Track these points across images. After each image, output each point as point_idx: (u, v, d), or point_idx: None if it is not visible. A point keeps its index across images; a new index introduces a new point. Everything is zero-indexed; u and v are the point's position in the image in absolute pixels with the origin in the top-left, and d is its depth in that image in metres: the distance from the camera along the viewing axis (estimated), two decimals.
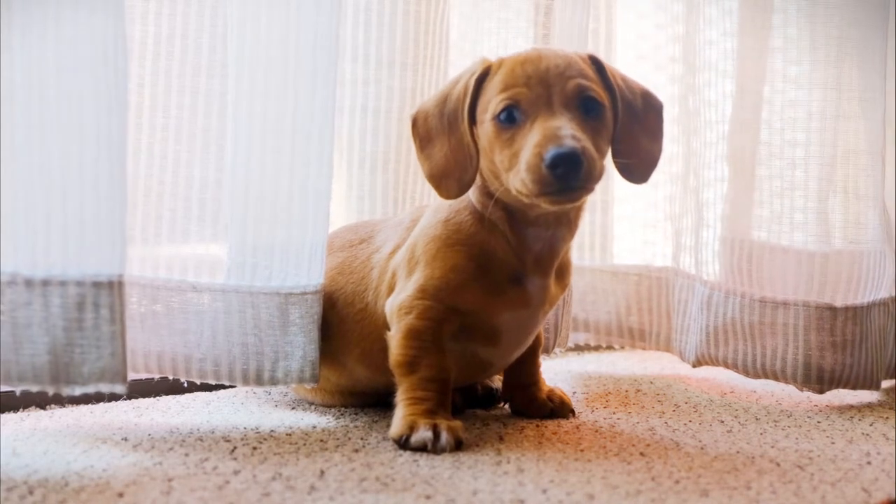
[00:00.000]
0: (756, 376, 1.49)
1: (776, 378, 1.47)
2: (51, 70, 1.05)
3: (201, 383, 1.30)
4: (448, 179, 1.17)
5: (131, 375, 1.31)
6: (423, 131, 1.19)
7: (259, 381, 1.23)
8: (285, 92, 1.21)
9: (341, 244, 1.31)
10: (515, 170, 1.09)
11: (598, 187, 1.65)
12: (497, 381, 1.38)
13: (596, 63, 1.17)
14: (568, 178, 1.05)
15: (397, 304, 1.18)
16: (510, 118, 1.11)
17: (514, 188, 1.10)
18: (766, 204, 1.51)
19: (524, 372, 1.32)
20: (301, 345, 1.23)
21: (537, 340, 1.32)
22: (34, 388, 1.06)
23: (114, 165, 1.08)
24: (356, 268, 1.28)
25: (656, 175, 1.69)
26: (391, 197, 1.49)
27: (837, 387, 1.45)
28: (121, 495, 0.94)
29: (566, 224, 1.19)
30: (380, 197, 1.49)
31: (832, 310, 1.44)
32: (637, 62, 1.74)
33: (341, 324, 1.26)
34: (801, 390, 1.47)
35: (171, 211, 1.25)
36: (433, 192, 1.51)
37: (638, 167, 1.20)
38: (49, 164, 1.05)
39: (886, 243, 1.51)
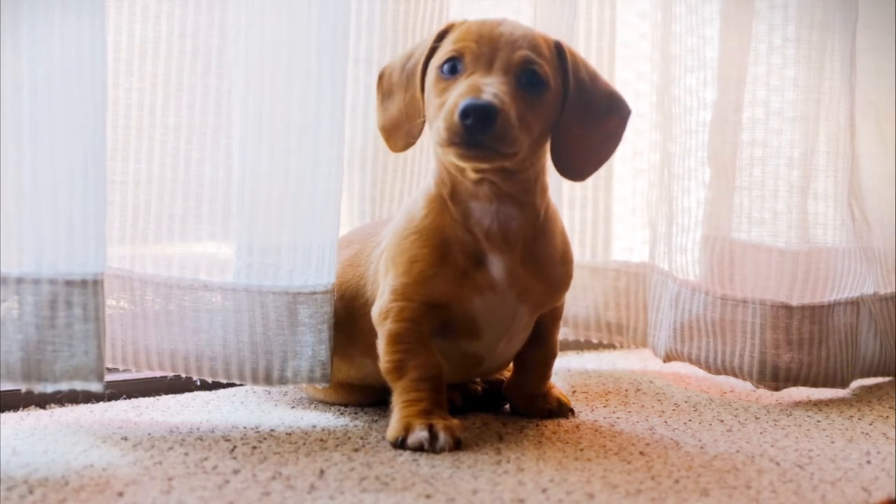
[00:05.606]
0: (717, 373, 1.50)
1: (735, 375, 1.48)
2: (24, 69, 1.04)
3: (201, 382, 1.30)
4: (397, 132, 1.19)
5: (144, 373, 1.32)
6: (387, 86, 1.22)
7: (268, 380, 1.23)
8: (292, 92, 1.21)
9: (359, 237, 1.32)
10: (438, 119, 1.10)
11: (591, 183, 1.67)
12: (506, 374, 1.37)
13: (559, 50, 1.17)
14: (475, 130, 1.05)
15: (377, 311, 1.19)
16: (452, 70, 1.12)
17: (434, 139, 1.11)
18: (735, 203, 1.51)
19: (530, 382, 1.30)
20: (310, 344, 1.23)
21: (549, 349, 1.30)
22: (6, 385, 1.06)
23: (90, 165, 1.08)
24: (361, 262, 1.28)
25: (643, 173, 1.71)
26: (368, 195, 1.48)
27: (795, 385, 1.45)
28: (121, 494, 0.94)
29: (511, 201, 1.17)
30: (357, 195, 1.48)
31: (788, 308, 1.45)
32: (637, 61, 1.74)
33: (349, 316, 1.26)
34: (756, 387, 1.48)
35: (183, 209, 1.25)
36: (414, 190, 1.51)
37: (577, 164, 1.19)
38: (23, 163, 1.05)
39: (854, 243, 1.51)
